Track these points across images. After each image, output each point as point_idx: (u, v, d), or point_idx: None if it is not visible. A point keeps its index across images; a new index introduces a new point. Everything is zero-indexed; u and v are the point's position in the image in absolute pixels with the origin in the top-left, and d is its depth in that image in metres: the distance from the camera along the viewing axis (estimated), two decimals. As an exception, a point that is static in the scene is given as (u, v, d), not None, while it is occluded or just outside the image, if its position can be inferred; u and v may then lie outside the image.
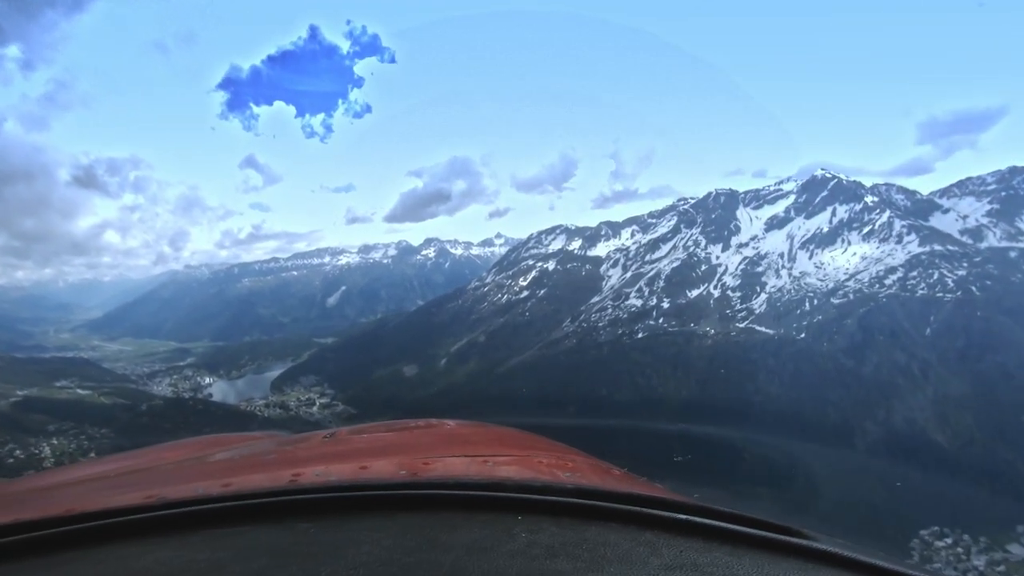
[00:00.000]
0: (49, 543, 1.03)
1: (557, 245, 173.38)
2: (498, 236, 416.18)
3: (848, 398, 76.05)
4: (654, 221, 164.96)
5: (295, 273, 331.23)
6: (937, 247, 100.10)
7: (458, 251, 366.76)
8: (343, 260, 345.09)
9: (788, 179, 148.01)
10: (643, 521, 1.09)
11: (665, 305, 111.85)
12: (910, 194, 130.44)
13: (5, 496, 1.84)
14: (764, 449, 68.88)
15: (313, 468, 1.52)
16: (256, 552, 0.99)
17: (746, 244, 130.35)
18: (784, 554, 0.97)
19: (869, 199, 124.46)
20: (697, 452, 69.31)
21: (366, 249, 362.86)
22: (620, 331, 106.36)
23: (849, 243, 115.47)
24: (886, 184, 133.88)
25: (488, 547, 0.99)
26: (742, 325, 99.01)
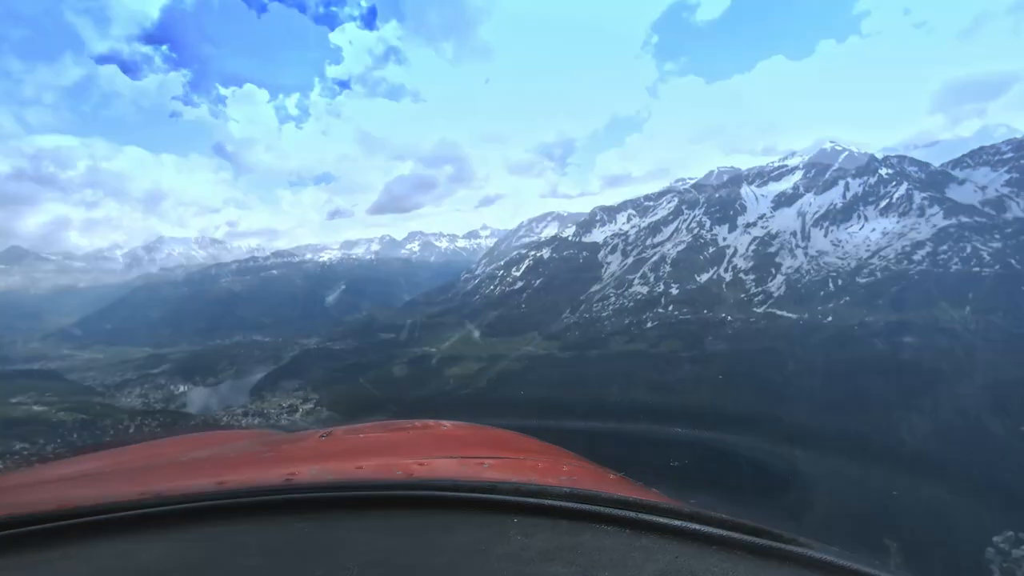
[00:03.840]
0: (40, 538, 1.02)
1: (550, 232, 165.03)
2: (484, 227, 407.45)
3: (888, 388, 68.65)
4: (651, 204, 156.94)
5: (275, 272, 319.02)
6: (964, 219, 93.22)
7: (443, 244, 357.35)
8: (325, 257, 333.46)
9: (793, 154, 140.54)
10: (638, 526, 1.09)
11: (674, 291, 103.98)
12: (923, 166, 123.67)
13: None
14: (803, 453, 60.98)
15: (308, 467, 1.52)
16: (250, 550, 0.98)
17: (754, 224, 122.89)
18: (779, 561, 0.97)
19: (883, 171, 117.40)
20: (731, 464, 60.96)
21: (348, 245, 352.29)
22: (627, 320, 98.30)
23: (866, 219, 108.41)
24: (898, 156, 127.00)
25: (482, 549, 0.99)
26: (761, 310, 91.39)
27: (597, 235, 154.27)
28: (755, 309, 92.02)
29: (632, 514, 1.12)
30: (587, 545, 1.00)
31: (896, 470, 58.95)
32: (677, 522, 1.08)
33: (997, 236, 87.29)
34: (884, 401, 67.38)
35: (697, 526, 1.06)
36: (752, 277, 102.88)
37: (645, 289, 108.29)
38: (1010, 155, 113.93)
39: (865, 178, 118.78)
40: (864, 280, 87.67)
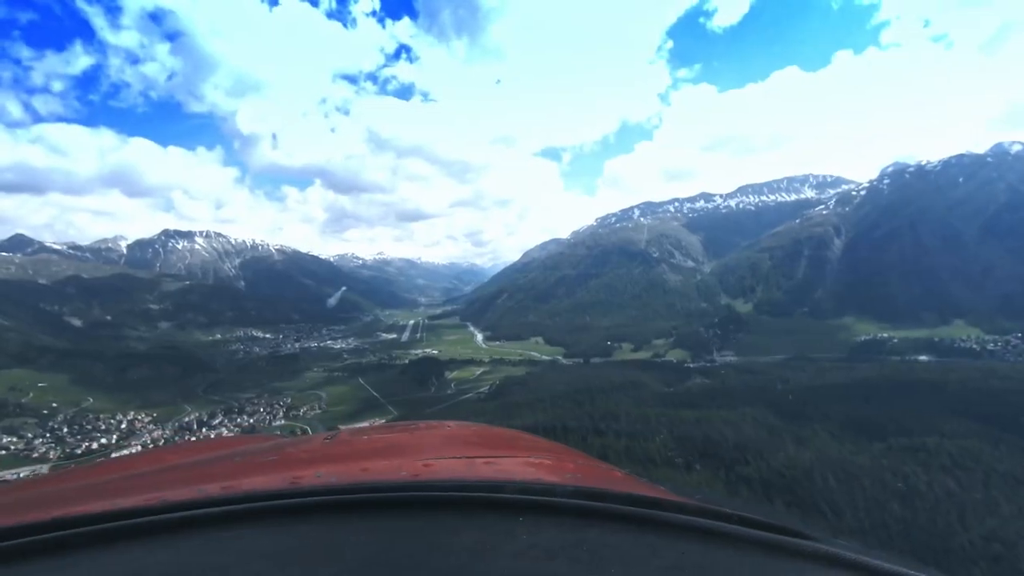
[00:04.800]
0: (48, 547, 1.03)
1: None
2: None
3: None
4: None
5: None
6: None
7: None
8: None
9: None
10: (644, 522, 1.09)
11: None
12: None
13: (5, 498, 1.84)
14: None
15: (314, 470, 1.53)
16: (257, 555, 0.99)
17: None
18: (786, 555, 0.97)
19: None
20: None
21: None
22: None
23: None
24: None
25: (489, 549, 0.99)
26: None
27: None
28: None
29: (639, 511, 1.12)
30: (594, 542, 1.00)
31: None
32: (683, 517, 1.08)
33: None
34: None
35: (704, 521, 1.06)
36: None
37: None
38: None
39: None
40: None
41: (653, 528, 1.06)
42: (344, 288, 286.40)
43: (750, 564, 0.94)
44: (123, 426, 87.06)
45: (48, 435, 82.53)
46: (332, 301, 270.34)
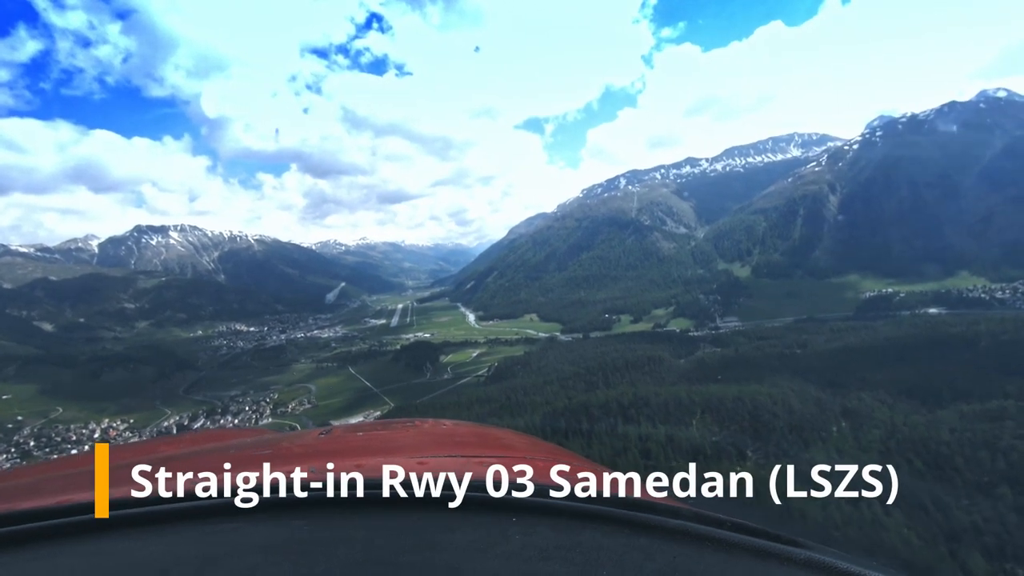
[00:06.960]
0: (39, 535, 1.01)
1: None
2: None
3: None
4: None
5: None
6: None
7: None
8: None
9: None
10: (638, 526, 1.08)
11: None
12: None
13: None
14: None
15: (307, 465, 1.53)
16: (249, 549, 0.98)
17: None
18: (778, 562, 0.97)
19: None
20: None
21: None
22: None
23: None
24: None
25: (482, 548, 0.98)
26: None
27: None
28: None
29: (633, 514, 1.12)
30: (586, 544, 1.00)
31: None
32: (677, 522, 1.08)
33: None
34: None
35: (697, 526, 1.06)
36: None
37: None
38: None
39: None
40: None
41: (647, 532, 1.06)
42: (343, 284, 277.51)
43: (743, 570, 0.94)
44: (96, 435, 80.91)
45: (13, 450, 76.59)
46: (331, 297, 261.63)
